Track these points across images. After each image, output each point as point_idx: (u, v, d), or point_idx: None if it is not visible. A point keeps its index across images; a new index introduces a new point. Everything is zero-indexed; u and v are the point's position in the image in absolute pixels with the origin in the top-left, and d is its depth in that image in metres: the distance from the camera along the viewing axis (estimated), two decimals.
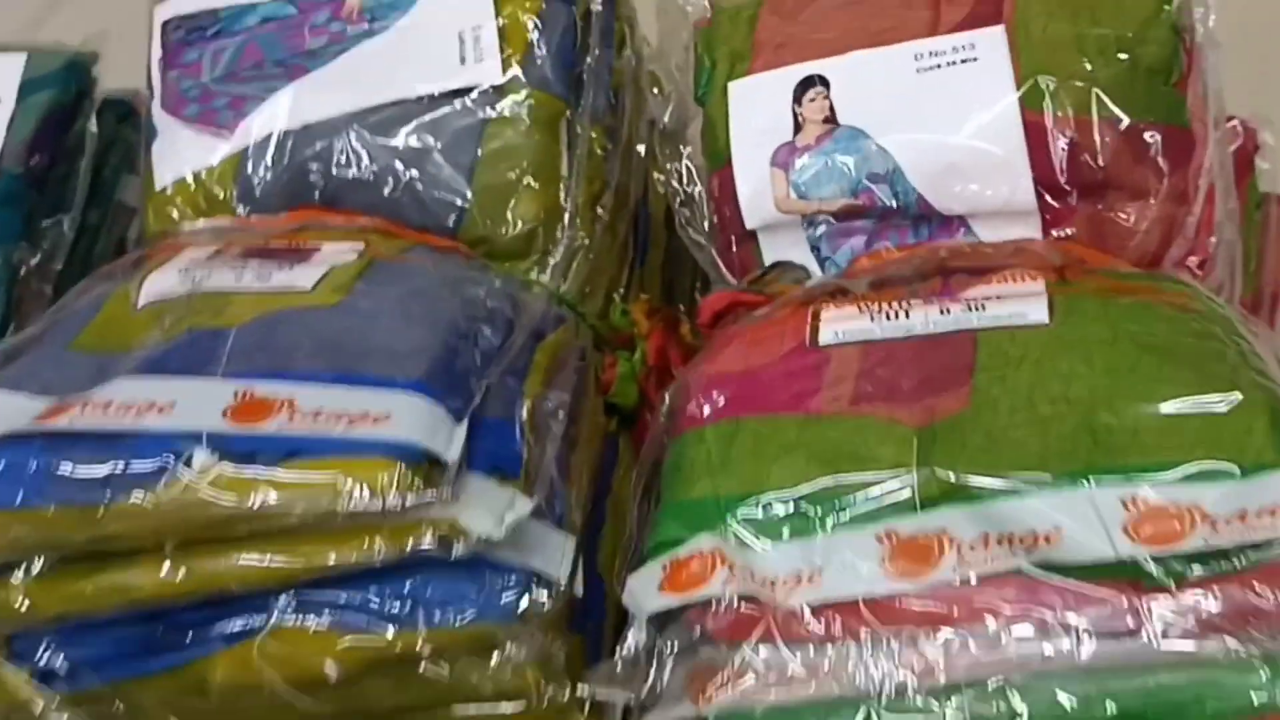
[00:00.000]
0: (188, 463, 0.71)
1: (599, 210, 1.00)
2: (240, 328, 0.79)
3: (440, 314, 0.80)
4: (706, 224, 0.94)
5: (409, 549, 0.71)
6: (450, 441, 0.71)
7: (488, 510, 0.71)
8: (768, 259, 0.93)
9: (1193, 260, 0.88)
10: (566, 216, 0.97)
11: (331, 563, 0.71)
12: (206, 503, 0.70)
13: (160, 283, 0.86)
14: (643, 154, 1.09)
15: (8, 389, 0.77)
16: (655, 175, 1.01)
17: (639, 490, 0.79)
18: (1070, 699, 0.64)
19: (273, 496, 0.69)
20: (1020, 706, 0.65)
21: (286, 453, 0.70)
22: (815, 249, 0.92)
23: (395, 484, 0.69)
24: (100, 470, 0.72)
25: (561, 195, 0.97)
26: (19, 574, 0.74)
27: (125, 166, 1.16)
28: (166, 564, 0.73)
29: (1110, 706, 0.63)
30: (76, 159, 1.10)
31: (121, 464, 0.72)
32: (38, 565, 0.74)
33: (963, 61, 0.88)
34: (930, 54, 0.89)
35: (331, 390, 0.73)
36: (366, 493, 0.68)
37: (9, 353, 0.83)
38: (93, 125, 1.11)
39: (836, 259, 0.91)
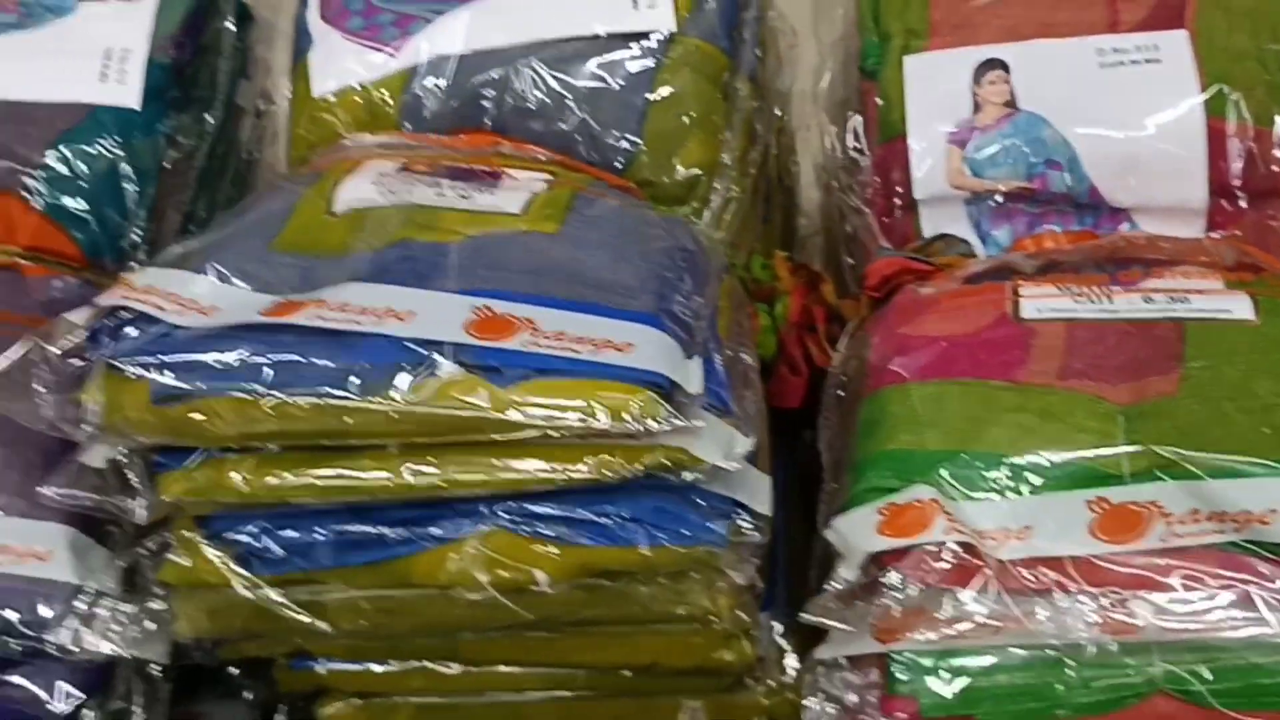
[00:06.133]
0: (431, 369, 0.77)
1: (749, 164, 1.08)
2: (460, 245, 0.85)
3: (652, 252, 0.87)
4: (869, 190, 1.01)
5: (641, 471, 0.77)
6: (689, 375, 0.78)
7: (713, 443, 0.78)
8: (927, 231, 1.01)
9: None
10: (724, 168, 1.04)
11: (564, 478, 0.78)
12: (454, 408, 0.76)
13: (355, 190, 0.92)
14: (787, 119, 1.16)
15: (238, 278, 0.83)
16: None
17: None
18: (1262, 671, 0.73)
19: (523, 410, 0.76)
20: (1208, 674, 0.73)
21: (534, 369, 0.77)
22: (976, 225, 1.00)
23: (643, 410, 0.75)
24: (345, 368, 0.77)
25: (721, 147, 1.04)
26: (245, 459, 0.79)
27: (239, 69, 1.19)
28: (396, 464, 0.79)
29: None
30: (209, 57, 1.14)
31: (363, 364, 0.77)
32: (265, 452, 0.80)
33: (1146, 61, 0.97)
34: (1113, 50, 0.98)
35: (569, 315, 0.80)
36: (622, 416, 0.75)
37: (206, 249, 0.88)
38: (230, 24, 1.15)
39: (996, 236, 0.99)
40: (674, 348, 0.79)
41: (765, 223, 1.18)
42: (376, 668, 0.92)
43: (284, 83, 1.16)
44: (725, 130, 1.05)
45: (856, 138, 1.03)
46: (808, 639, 0.88)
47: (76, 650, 0.84)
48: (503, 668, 0.92)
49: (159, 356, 0.80)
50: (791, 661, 0.90)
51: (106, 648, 0.85)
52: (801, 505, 0.93)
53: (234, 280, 0.84)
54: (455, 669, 0.91)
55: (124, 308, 0.82)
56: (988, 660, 0.77)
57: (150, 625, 0.86)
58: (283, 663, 0.93)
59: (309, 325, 0.79)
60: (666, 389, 0.77)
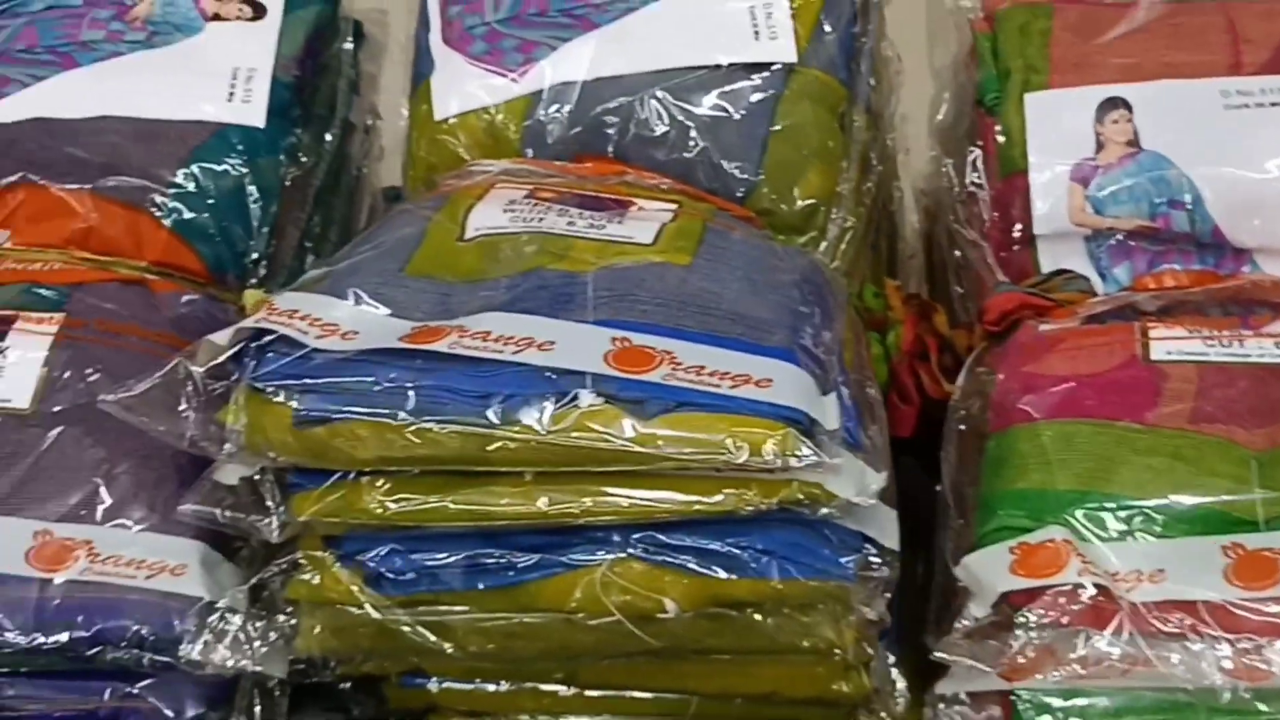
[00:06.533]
0: (573, 400, 0.78)
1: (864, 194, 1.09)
2: (594, 274, 0.86)
3: (783, 285, 0.88)
4: (986, 224, 1.02)
5: (776, 506, 0.78)
6: (825, 412, 0.79)
7: (848, 478, 0.79)
8: (1045, 266, 1.02)
9: None
10: (841, 198, 1.05)
11: (699, 509, 0.79)
12: (597, 440, 0.77)
13: (487, 217, 0.94)
14: (891, 144, 1.17)
15: (376, 302, 0.84)
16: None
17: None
18: None
19: (665, 443, 0.77)
20: None
21: (675, 403, 0.78)
22: (1095, 261, 1.01)
23: (782, 447, 0.76)
24: (487, 396, 0.79)
25: (839, 178, 1.05)
26: (380, 482, 0.81)
27: (353, 87, 1.21)
28: (531, 492, 0.80)
29: None
30: (329, 75, 1.16)
31: (505, 393, 0.79)
32: (399, 475, 0.81)
33: (1271, 104, 0.97)
34: (1238, 92, 0.99)
35: (707, 349, 0.81)
36: (761, 452, 0.76)
37: (343, 272, 0.89)
38: (348, 43, 1.16)
39: (1116, 274, 1.00)
40: (811, 384, 0.81)
41: (873, 250, 1.18)
42: (489, 687, 0.92)
43: (389, 99, 1.17)
44: (843, 161, 1.05)
45: (975, 171, 1.03)
46: (917, 670, 0.88)
47: (206, 664, 0.85)
48: (617, 691, 0.92)
49: (301, 379, 0.81)
50: (901, 692, 0.90)
51: (234, 662, 0.85)
52: (905, 532, 0.93)
53: (372, 304, 0.85)
54: (568, 690, 0.92)
55: (267, 330, 0.83)
56: (1115, 701, 0.78)
57: (275, 640, 0.87)
58: (393, 680, 0.93)
59: (450, 352, 0.80)
60: (805, 426, 0.78)
